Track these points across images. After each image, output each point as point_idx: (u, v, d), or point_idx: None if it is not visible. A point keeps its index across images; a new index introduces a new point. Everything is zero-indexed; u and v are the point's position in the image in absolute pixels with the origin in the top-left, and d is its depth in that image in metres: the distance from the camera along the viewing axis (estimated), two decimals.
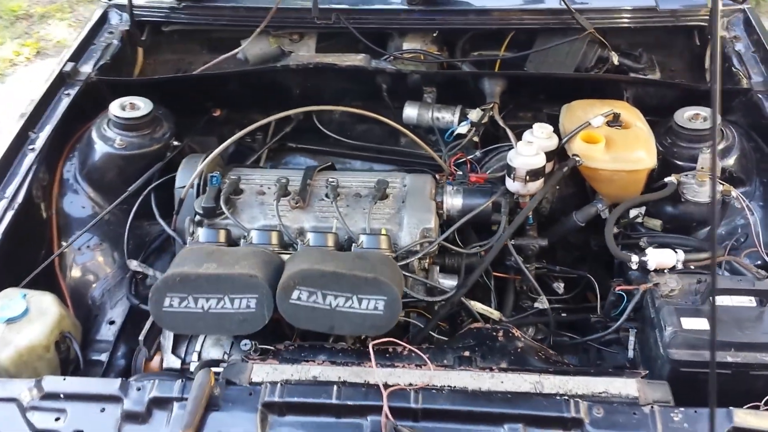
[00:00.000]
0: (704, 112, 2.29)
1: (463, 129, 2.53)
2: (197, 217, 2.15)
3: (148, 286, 2.27)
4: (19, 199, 2.15)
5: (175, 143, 2.46)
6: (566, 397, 1.54)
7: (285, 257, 1.92)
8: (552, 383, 1.65)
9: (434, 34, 2.72)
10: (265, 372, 1.63)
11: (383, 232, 2.06)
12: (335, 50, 2.77)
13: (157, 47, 2.93)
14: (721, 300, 1.80)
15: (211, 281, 1.75)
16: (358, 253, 1.89)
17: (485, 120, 2.49)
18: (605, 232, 2.06)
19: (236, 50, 2.73)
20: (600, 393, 1.60)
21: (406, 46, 2.73)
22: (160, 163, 2.39)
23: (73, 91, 2.49)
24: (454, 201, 2.24)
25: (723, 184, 2.12)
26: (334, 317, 1.74)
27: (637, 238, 2.25)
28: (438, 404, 1.55)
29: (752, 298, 1.81)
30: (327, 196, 2.19)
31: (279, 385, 1.55)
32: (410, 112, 2.64)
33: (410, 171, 2.67)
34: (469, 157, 2.47)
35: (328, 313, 1.73)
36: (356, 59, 2.62)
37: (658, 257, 1.93)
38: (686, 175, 2.15)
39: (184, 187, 2.22)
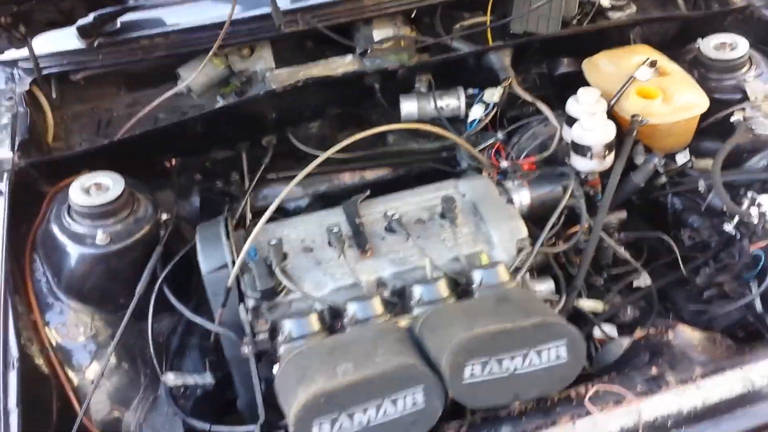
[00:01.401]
0: (728, 39, 2.20)
1: (478, 113, 2.26)
2: (252, 303, 1.71)
3: (188, 399, 1.83)
4: (14, 354, 1.58)
5: (165, 216, 1.95)
6: None
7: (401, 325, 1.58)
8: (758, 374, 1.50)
9: (412, 15, 2.37)
10: None
11: (484, 258, 1.77)
12: (299, 58, 2.35)
13: (60, 101, 2.31)
14: None
15: (363, 388, 1.37)
16: (497, 297, 1.58)
17: (504, 97, 2.23)
18: (714, 183, 1.91)
19: (183, 84, 2.22)
20: None
21: (377, 34, 2.36)
22: (158, 248, 1.88)
23: (2, 188, 1.88)
24: (521, 197, 1.99)
25: None
26: (516, 383, 1.44)
27: (690, 183, 2.16)
28: None
29: None
30: (390, 230, 1.84)
31: None
32: (410, 107, 2.30)
33: (420, 172, 2.40)
34: (499, 141, 2.21)
35: (508, 381, 1.43)
36: (346, 63, 2.22)
37: None
38: (743, 109, 2.06)
39: (216, 271, 1.76)
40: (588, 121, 1.91)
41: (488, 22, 2.43)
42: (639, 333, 1.71)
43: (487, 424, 1.49)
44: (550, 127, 2.18)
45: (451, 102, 2.31)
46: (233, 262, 1.77)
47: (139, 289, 1.82)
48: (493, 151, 2.16)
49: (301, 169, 2.36)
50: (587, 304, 1.92)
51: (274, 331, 1.73)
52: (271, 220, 1.88)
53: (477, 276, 1.65)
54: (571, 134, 1.96)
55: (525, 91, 2.22)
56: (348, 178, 2.44)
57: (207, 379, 1.88)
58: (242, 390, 1.86)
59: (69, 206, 1.85)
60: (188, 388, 1.86)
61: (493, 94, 2.21)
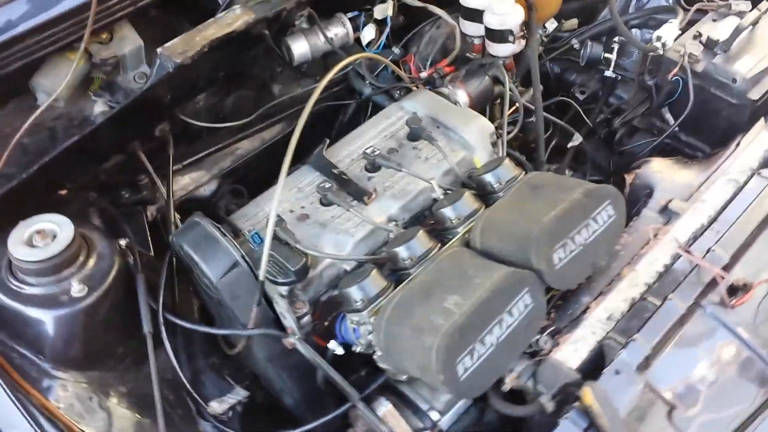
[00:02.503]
0: None
1: (370, 34, 2.20)
2: (285, 289, 1.56)
3: (233, 420, 1.67)
4: None
5: (123, 242, 1.66)
6: None
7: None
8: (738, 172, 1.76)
9: None
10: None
11: (477, 161, 1.79)
12: (158, 29, 2.06)
13: None
14: None
15: (482, 311, 1.35)
16: (528, 187, 1.60)
17: (396, 10, 2.19)
18: (617, 25, 2.13)
19: (52, 96, 1.84)
20: None
21: None
22: (140, 276, 1.61)
23: None
24: (460, 96, 2.02)
25: None
26: (589, 253, 1.50)
27: (562, 44, 2.38)
28: None
29: None
30: (372, 168, 1.78)
31: None
32: (301, 47, 2.16)
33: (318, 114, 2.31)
34: (400, 57, 2.19)
35: (583, 254, 1.49)
36: (238, 16, 1.98)
37: (671, 29, 2.06)
38: None
39: (227, 273, 1.57)
40: (500, 6, 1.97)
41: None
42: (629, 178, 1.87)
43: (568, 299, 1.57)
44: (445, 27, 2.22)
45: (338, 30, 2.21)
46: (242, 258, 1.59)
47: (147, 328, 1.56)
48: (411, 64, 2.14)
49: (200, 150, 2.18)
50: None
51: (317, 308, 1.62)
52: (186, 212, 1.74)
53: (491, 178, 1.67)
54: (487, 23, 2.01)
55: None
56: (248, 146, 2.27)
57: (241, 393, 1.72)
58: (290, 385, 1.72)
59: (11, 267, 1.50)
60: (230, 409, 1.68)
61: (384, 9, 2.16)
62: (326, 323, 1.66)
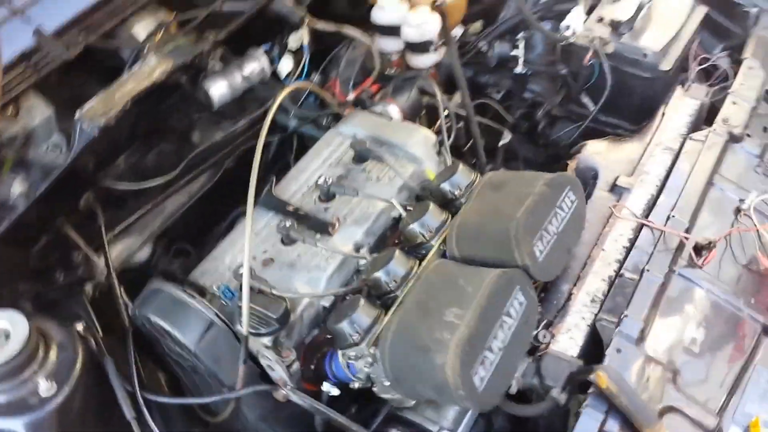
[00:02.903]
0: None
1: (288, 65, 2.16)
2: (269, 339, 1.49)
3: None
4: None
5: (80, 327, 1.53)
6: None
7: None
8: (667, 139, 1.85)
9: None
10: None
11: (429, 173, 1.79)
12: (68, 91, 1.93)
13: None
14: None
15: (484, 317, 1.33)
16: (490, 188, 1.60)
17: (310, 38, 2.15)
18: (528, 20, 2.18)
19: None
20: None
21: (140, 31, 2.04)
22: (108, 358, 1.49)
23: None
24: (393, 112, 2.01)
25: None
26: (563, 240, 1.52)
27: (475, 45, 2.44)
28: None
29: None
30: (327, 198, 1.73)
31: None
32: (219, 89, 2.07)
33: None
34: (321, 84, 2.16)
35: (558, 241, 1.51)
36: (154, 66, 1.87)
37: (577, 15, 2.15)
38: None
39: (203, 336, 1.48)
40: (416, 18, 1.99)
41: None
42: (572, 164, 1.92)
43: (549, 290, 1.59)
44: (360, 48, 2.20)
45: (254, 66, 2.14)
46: (217, 316, 1.50)
47: (129, 414, 1.43)
48: (336, 89, 2.12)
49: (129, 214, 2.06)
50: None
51: (301, 353, 1.55)
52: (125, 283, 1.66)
53: (450, 186, 1.66)
54: (406, 36, 2.02)
55: (326, 23, 2.17)
56: (176, 202, 2.17)
57: None
58: None
59: None
60: None
61: (299, 39, 2.13)
62: (312, 366, 1.60)
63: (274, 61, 2.17)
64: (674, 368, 1.43)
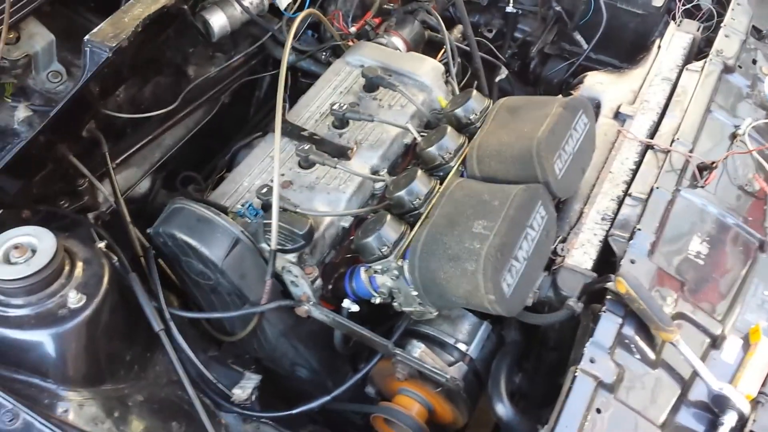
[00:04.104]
0: None
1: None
2: (293, 256, 1.51)
3: (255, 404, 1.62)
4: None
5: (101, 244, 1.52)
6: None
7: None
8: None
9: None
10: None
11: (441, 101, 1.82)
12: (64, 22, 1.88)
13: None
14: None
15: (511, 228, 1.38)
16: (506, 111, 1.63)
17: None
18: None
19: None
20: None
21: None
22: (132, 275, 1.49)
23: None
24: (398, 44, 2.03)
25: None
26: (578, 160, 1.58)
27: None
28: None
29: None
30: (341, 125, 1.74)
31: None
32: (219, 20, 2.04)
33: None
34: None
35: (574, 161, 1.57)
36: None
37: None
38: None
39: (230, 253, 1.49)
40: None
41: None
42: (575, 94, 1.96)
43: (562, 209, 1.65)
44: None
45: None
46: (242, 233, 1.51)
47: (158, 326, 1.45)
48: (340, 21, 2.11)
49: (129, 146, 2.03)
50: None
51: (327, 273, 1.58)
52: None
53: (465, 111, 1.69)
54: None
55: None
56: (174, 136, 2.16)
57: (254, 377, 1.64)
58: (306, 355, 1.68)
59: None
60: (251, 394, 1.60)
61: None
62: (330, 286, 1.63)
63: None
64: (682, 279, 1.52)
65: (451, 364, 1.55)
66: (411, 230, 1.47)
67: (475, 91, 1.72)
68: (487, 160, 1.55)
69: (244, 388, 1.56)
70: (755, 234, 1.63)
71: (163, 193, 2.11)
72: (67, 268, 1.39)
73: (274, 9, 2.16)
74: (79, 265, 1.41)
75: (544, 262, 1.49)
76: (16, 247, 1.34)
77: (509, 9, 2.48)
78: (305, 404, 1.57)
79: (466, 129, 1.69)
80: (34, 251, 1.35)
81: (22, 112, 1.76)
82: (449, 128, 1.63)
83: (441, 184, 1.56)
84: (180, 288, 1.72)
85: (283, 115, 1.77)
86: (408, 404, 1.56)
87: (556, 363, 1.60)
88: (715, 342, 1.46)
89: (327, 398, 1.56)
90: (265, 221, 1.50)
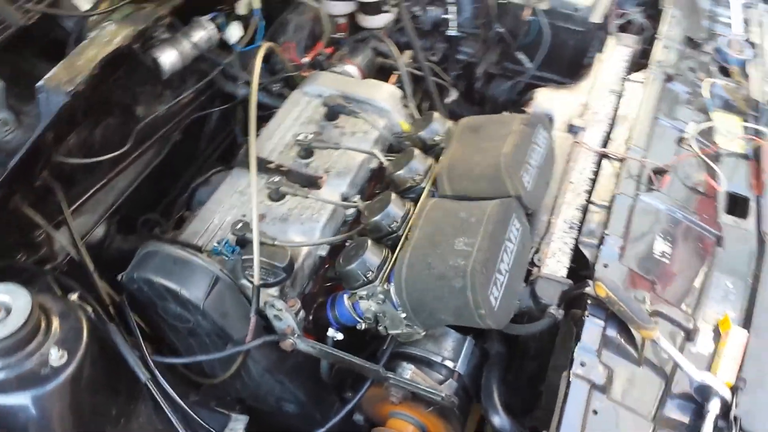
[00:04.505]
0: None
1: (237, 32, 2.14)
2: (276, 289, 1.50)
3: None
4: None
5: (75, 296, 1.47)
6: None
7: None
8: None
9: None
10: None
11: (404, 125, 1.85)
12: (16, 69, 1.82)
13: None
14: None
15: (491, 243, 1.41)
16: (469, 130, 1.69)
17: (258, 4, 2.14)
18: None
19: None
20: None
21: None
22: (111, 326, 1.44)
23: None
24: (351, 71, 2.06)
25: None
26: (543, 172, 1.64)
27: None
28: None
29: None
30: (306, 155, 1.75)
31: None
32: (170, 57, 2.02)
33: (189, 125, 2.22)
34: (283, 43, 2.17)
35: (540, 173, 1.63)
36: (114, 32, 1.77)
37: None
38: None
39: (210, 292, 1.46)
40: None
41: None
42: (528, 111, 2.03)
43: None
44: (308, 13, 2.22)
45: (201, 34, 2.10)
46: (221, 271, 1.49)
47: (144, 376, 1.41)
48: (292, 52, 2.12)
49: (82, 191, 1.99)
50: None
51: (306, 304, 1.58)
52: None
53: (429, 133, 1.73)
54: None
55: None
56: (126, 178, 2.12)
57: (242, 418, 1.62)
58: (292, 389, 1.66)
59: None
60: None
61: (246, 5, 2.11)
62: (310, 317, 1.62)
63: (221, 28, 2.14)
64: (652, 278, 1.58)
65: (440, 383, 1.56)
66: (392, 253, 1.48)
67: (436, 114, 1.76)
68: (458, 179, 1.58)
69: (234, 431, 1.53)
70: (711, 230, 1.72)
71: (119, 238, 2.06)
72: (43, 324, 1.33)
73: (221, 43, 2.17)
74: (55, 319, 1.36)
75: (523, 273, 1.53)
76: None
77: (451, 32, 2.55)
78: None
79: (431, 150, 1.72)
80: (8, 310, 1.29)
81: None
82: (416, 151, 1.66)
83: (414, 205, 1.59)
84: (151, 334, 1.68)
85: (251, 149, 1.76)
86: (402, 428, 1.56)
87: (536, 371, 1.64)
88: (689, 335, 1.53)
89: (323, 430, 1.54)
90: (243, 257, 1.48)
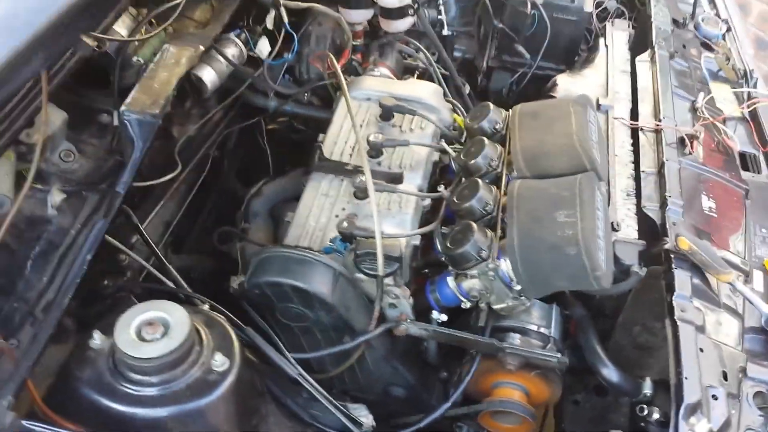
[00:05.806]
0: None
1: (266, 46, 2.19)
2: (389, 281, 1.59)
3: None
4: None
5: (205, 307, 1.50)
6: None
7: None
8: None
9: None
10: None
11: (458, 119, 1.97)
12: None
13: None
14: None
15: (588, 210, 1.55)
16: (530, 115, 1.84)
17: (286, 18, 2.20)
18: None
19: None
20: None
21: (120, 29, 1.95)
22: (251, 331, 1.49)
23: None
24: (386, 73, 2.16)
25: None
26: (600, 144, 1.81)
27: None
28: None
29: None
30: (374, 155, 1.84)
31: None
32: (209, 75, 2.05)
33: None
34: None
35: (600, 147, 1.79)
36: (179, 54, 1.79)
37: None
38: None
39: (334, 288, 1.53)
40: None
41: None
42: None
43: None
44: (329, 21, 2.30)
45: (234, 51, 2.15)
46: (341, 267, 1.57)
47: (295, 371, 1.46)
48: (327, 62, 2.19)
49: (144, 213, 2.01)
50: None
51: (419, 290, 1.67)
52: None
53: (487, 124, 1.86)
54: (385, 3, 2.16)
55: (295, 1, 2.23)
56: (177, 197, 2.15)
57: (356, 405, 1.69)
58: (404, 373, 1.75)
59: (119, 368, 1.28)
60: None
61: (270, 20, 2.17)
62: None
63: (247, 44, 2.19)
64: (709, 231, 1.78)
65: (541, 348, 1.69)
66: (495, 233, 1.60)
67: (491, 104, 1.90)
68: (532, 161, 1.72)
69: (365, 416, 1.60)
70: (740, 185, 1.94)
71: (175, 258, 2.08)
72: (198, 344, 1.36)
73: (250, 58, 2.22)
74: (202, 328, 1.39)
75: (610, 237, 1.68)
76: (149, 323, 1.30)
77: (445, 32, 2.69)
78: (427, 416, 1.62)
79: (493, 138, 1.85)
80: (166, 325, 1.31)
81: (56, 196, 1.67)
82: (486, 139, 1.79)
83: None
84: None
85: (321, 153, 1.83)
86: (512, 394, 1.68)
87: (608, 329, 1.80)
88: (747, 277, 1.74)
89: (447, 405, 1.63)
90: (358, 251, 1.56)
